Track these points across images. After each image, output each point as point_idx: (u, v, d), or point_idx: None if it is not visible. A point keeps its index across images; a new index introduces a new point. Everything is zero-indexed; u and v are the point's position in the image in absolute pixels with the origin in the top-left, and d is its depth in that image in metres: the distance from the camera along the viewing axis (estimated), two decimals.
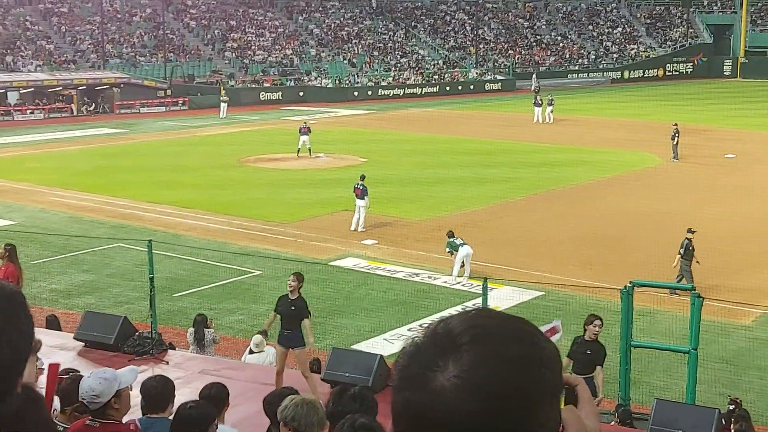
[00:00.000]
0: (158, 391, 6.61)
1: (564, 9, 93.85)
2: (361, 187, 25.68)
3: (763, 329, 18.17)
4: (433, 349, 1.45)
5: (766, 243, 24.24)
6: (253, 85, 67.00)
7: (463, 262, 21.30)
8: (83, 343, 15.05)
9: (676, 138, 37.72)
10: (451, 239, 21.64)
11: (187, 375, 13.35)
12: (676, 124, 38.58)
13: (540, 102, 52.68)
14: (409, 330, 17.76)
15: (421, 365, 1.44)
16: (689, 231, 20.51)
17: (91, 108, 59.61)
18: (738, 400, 12.53)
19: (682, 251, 20.20)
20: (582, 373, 11.63)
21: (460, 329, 1.46)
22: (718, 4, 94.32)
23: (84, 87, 59.64)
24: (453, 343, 1.44)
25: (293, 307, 13.03)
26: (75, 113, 58.64)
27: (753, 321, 18.65)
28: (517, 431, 1.41)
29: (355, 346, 16.14)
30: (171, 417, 6.29)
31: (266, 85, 67.63)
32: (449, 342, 1.44)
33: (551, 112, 51.90)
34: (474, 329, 1.45)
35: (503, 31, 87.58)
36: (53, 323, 16.16)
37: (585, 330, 12.47)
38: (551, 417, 1.46)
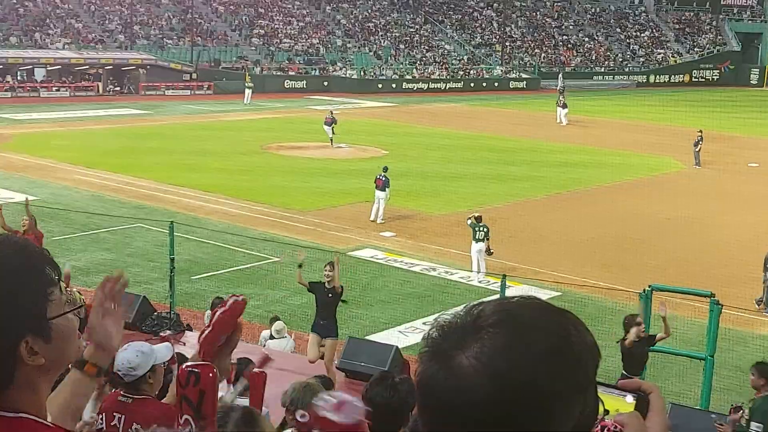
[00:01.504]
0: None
1: (592, 10, 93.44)
2: (383, 179, 25.72)
3: None
4: (463, 328, 1.44)
5: None
6: (278, 73, 67.15)
7: (478, 258, 21.32)
8: None
9: (699, 144, 37.54)
10: (476, 223, 21.28)
11: None
12: (700, 131, 38.34)
13: (562, 102, 52.30)
14: (424, 323, 17.78)
15: (449, 342, 1.43)
16: None
17: (117, 88, 59.96)
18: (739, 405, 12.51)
19: None
20: (638, 372, 12.20)
21: (490, 311, 1.44)
22: (748, 12, 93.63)
23: (110, 67, 60.02)
24: (479, 325, 1.42)
25: (330, 295, 13.00)
26: (100, 92, 59.02)
27: None
28: (531, 425, 1.36)
29: (369, 337, 16.18)
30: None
31: (291, 73, 67.76)
32: (476, 323, 1.43)
33: (565, 114, 51.44)
34: (502, 314, 1.43)
35: (530, 29, 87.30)
36: None
37: (629, 332, 12.33)
38: (576, 414, 1.41)
